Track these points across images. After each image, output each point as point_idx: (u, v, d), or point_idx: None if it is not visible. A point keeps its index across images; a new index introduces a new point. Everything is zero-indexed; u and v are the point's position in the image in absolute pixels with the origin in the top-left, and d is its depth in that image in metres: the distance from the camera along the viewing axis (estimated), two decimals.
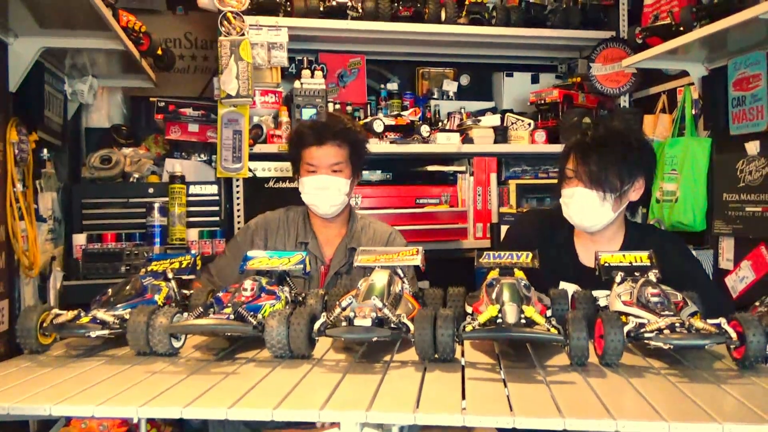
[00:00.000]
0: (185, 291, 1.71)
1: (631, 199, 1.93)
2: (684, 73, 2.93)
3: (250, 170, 3.00)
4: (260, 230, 2.32)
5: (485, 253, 1.62)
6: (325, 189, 2.21)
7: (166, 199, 2.86)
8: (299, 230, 2.31)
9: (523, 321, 1.27)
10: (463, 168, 3.39)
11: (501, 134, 3.35)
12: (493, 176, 3.40)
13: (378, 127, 3.13)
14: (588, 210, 1.88)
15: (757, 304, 2.18)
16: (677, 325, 1.26)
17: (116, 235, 2.84)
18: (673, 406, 1.07)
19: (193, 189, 2.97)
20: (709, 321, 1.29)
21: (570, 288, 1.93)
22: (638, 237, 2.00)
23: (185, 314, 1.43)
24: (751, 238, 2.58)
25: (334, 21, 3.12)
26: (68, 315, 1.41)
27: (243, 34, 2.88)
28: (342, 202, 2.25)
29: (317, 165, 2.21)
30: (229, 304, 1.40)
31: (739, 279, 2.64)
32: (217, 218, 3.01)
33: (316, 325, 1.35)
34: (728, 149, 2.70)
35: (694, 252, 2.76)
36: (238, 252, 2.24)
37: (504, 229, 3.22)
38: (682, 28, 2.54)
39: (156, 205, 2.84)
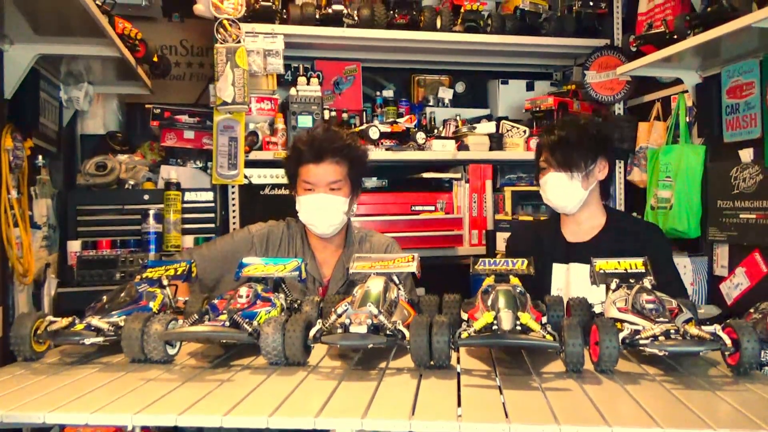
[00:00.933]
0: (180, 298, 1.71)
1: (598, 178, 2.17)
2: (678, 81, 2.94)
3: (245, 177, 3.00)
4: (263, 241, 2.25)
5: (481, 259, 1.62)
6: (323, 208, 2.13)
7: (162, 205, 2.86)
8: (297, 250, 2.25)
9: (518, 328, 1.27)
10: (458, 175, 3.39)
11: (496, 141, 3.37)
12: (489, 183, 3.41)
13: (374, 134, 3.13)
14: (560, 189, 2.14)
15: (751, 310, 2.19)
16: (672, 331, 1.27)
17: (111, 241, 2.83)
18: (669, 413, 1.07)
19: (188, 196, 2.97)
20: (704, 328, 1.30)
21: (562, 269, 2.17)
22: (618, 222, 2.22)
23: (180, 321, 1.43)
24: (745, 245, 2.59)
25: (330, 28, 3.13)
26: (63, 322, 1.41)
27: (239, 42, 2.89)
28: (341, 222, 2.18)
29: (315, 183, 2.13)
30: (225, 311, 1.39)
31: (734, 286, 2.65)
32: (213, 225, 3.01)
33: (312, 332, 1.35)
34: (722, 156, 2.71)
35: (688, 258, 2.79)
36: (231, 251, 2.20)
37: (499, 235, 3.23)
38: (675, 37, 2.56)
39: (151, 212, 2.83)
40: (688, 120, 2.91)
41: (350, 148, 2.19)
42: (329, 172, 2.14)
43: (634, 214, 3.06)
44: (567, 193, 2.14)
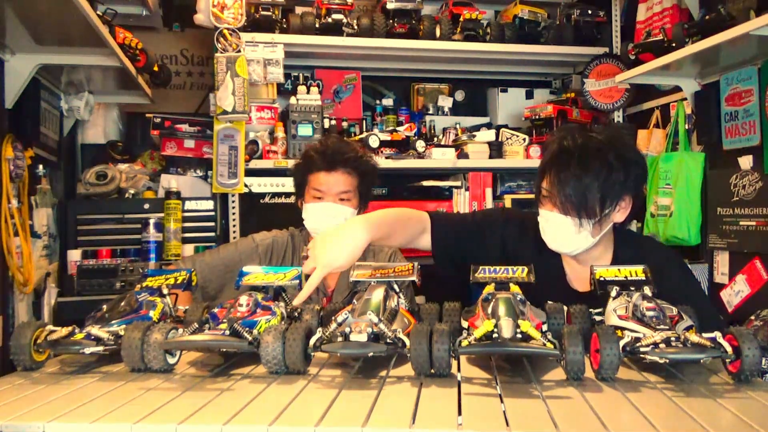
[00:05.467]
0: (180, 307, 1.71)
1: (616, 220, 1.76)
2: (677, 89, 2.95)
3: (245, 186, 3.00)
4: (267, 251, 2.24)
5: (480, 267, 1.61)
6: (330, 217, 2.11)
7: (162, 214, 2.86)
8: (302, 260, 2.24)
9: (519, 336, 1.27)
10: (458, 183, 3.40)
11: (496, 149, 3.38)
12: (489, 191, 3.41)
13: (373, 142, 3.14)
14: (563, 237, 1.73)
15: (752, 317, 2.20)
16: (673, 339, 1.26)
17: (111, 251, 2.84)
18: (670, 421, 1.07)
19: (188, 205, 2.98)
20: (705, 335, 1.29)
21: None
22: (629, 254, 1.83)
23: (180, 330, 1.42)
24: (745, 252, 2.59)
25: (329, 38, 3.14)
26: (62, 331, 1.40)
27: (239, 51, 2.90)
28: None
29: (325, 191, 2.13)
30: (225, 320, 1.39)
31: (735, 293, 2.64)
32: (213, 234, 3.01)
33: (312, 341, 1.34)
34: (722, 164, 2.72)
35: (689, 266, 2.78)
36: (234, 260, 2.19)
37: None
38: (674, 45, 2.58)
39: (151, 221, 2.84)
40: (687, 127, 2.92)
41: (362, 161, 2.19)
42: (340, 181, 2.14)
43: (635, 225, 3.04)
44: (571, 242, 1.73)
